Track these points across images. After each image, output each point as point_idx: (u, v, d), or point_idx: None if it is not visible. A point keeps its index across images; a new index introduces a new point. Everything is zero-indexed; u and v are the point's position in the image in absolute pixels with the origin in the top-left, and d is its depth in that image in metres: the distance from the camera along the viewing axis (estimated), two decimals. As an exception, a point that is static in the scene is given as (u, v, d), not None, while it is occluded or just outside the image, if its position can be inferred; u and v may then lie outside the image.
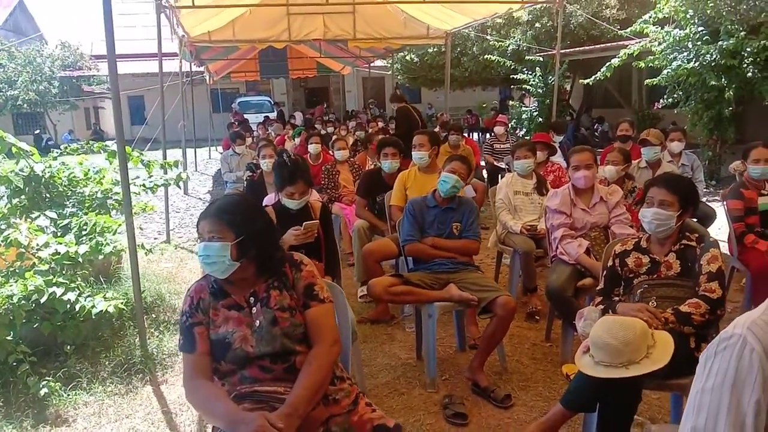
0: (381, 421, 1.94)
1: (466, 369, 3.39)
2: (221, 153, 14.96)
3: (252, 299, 2.02)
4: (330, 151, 7.04)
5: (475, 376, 3.27)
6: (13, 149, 4.25)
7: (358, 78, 27.29)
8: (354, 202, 5.59)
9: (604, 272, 2.82)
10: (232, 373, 1.97)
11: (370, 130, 10.23)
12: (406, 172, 4.80)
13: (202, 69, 16.91)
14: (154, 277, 5.24)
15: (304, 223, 3.26)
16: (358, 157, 7.44)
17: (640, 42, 9.65)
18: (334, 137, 7.86)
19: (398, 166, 5.04)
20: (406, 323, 4.29)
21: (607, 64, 10.07)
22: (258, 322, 1.98)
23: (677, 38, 8.65)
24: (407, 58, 18.52)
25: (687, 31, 8.53)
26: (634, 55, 9.39)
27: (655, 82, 9.15)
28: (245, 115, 19.45)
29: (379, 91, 26.77)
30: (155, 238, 7.34)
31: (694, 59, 8.50)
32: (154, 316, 4.40)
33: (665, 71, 8.88)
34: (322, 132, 10.97)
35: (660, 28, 8.92)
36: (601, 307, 2.64)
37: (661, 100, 9.68)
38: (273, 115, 20.61)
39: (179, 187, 5.24)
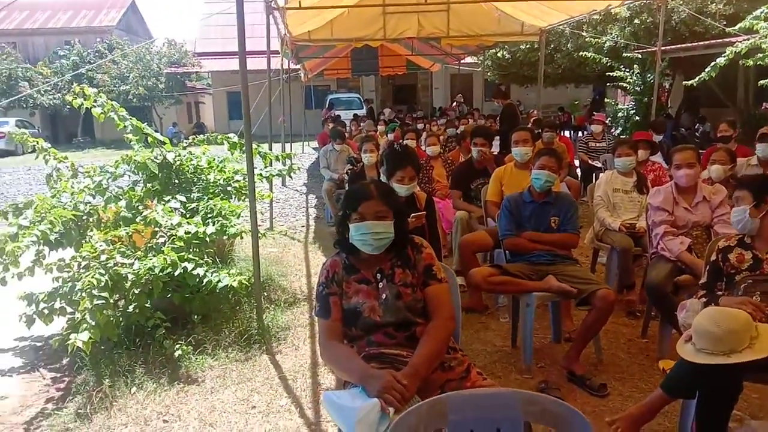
0: (491, 387, 2.14)
1: (561, 358, 3.52)
2: (315, 148, 15.59)
3: (379, 275, 2.28)
4: (422, 147, 7.27)
5: (570, 365, 3.40)
6: (149, 139, 4.76)
7: (447, 74, 27.36)
8: (446, 197, 5.79)
9: (707, 267, 2.88)
10: (360, 337, 2.25)
11: (462, 128, 10.36)
12: (502, 168, 4.94)
13: (298, 67, 17.59)
14: (263, 260, 5.65)
15: (412, 214, 3.51)
16: (450, 153, 7.63)
17: (749, 39, 9.20)
18: (425, 134, 8.08)
19: (485, 154, 5.27)
20: (500, 314, 4.44)
21: (713, 63, 9.66)
22: (384, 295, 2.24)
23: (791, 34, 8.22)
24: (498, 54, 18.44)
25: (802, 26, 8.10)
26: (742, 53, 8.98)
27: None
28: (336, 112, 20.07)
29: (466, 87, 26.69)
30: (259, 226, 7.83)
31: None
32: (265, 294, 4.80)
33: (779, 69, 8.44)
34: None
35: (772, 23, 8.50)
36: (704, 299, 2.71)
37: (771, 100, 9.20)
38: (361, 112, 21.10)
39: (290, 177, 5.62)
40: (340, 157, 8.09)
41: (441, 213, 5.94)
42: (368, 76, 26.52)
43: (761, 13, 8.54)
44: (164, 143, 4.82)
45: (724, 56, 9.17)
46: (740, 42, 9.24)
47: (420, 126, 12.94)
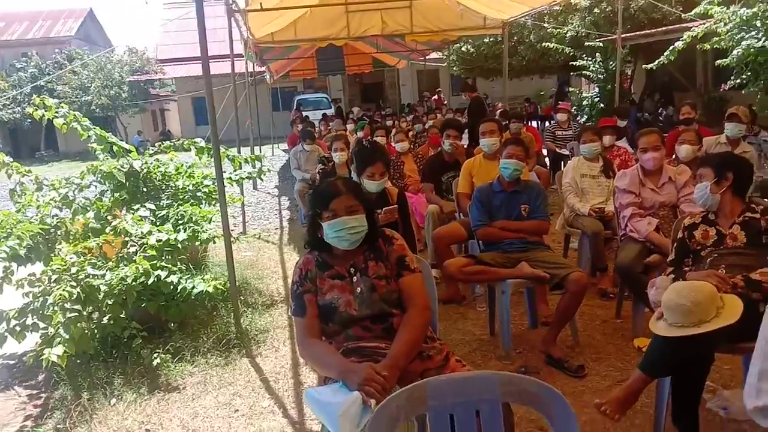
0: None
1: (539, 343, 3.58)
2: (285, 150, 15.50)
3: (352, 269, 2.29)
4: (392, 144, 7.30)
5: (548, 349, 3.46)
6: (115, 148, 4.70)
7: (413, 71, 27.45)
8: (419, 191, 5.83)
9: (674, 245, 2.96)
10: (338, 332, 2.26)
11: (429, 123, 10.41)
12: (471, 160, 4.99)
13: (263, 69, 17.46)
14: (237, 264, 5.61)
15: (384, 208, 3.52)
16: (420, 148, 7.67)
17: (704, 23, 9.44)
18: (394, 130, 8.11)
19: (457, 147, 5.33)
20: (478, 303, 4.49)
21: (671, 47, 9.88)
22: (359, 288, 2.25)
23: (744, 17, 8.43)
24: (463, 48, 18.56)
25: (755, 9, 8.31)
26: (699, 37, 9.20)
27: (726, 63, 8.93)
28: (304, 112, 20.00)
29: (433, 83, 26.83)
30: (232, 230, 7.77)
31: (763, 38, 8.27)
32: (242, 298, 4.77)
33: (735, 51, 8.66)
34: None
35: (726, 8, 8.71)
36: (672, 276, 2.78)
37: (728, 82, 9.45)
38: (330, 112, 21.06)
39: (260, 179, 5.58)
40: (311, 157, 8.07)
41: (414, 207, 5.96)
42: (335, 75, 26.42)
43: (714, -3, 8.75)
44: (130, 152, 4.76)
45: (682, 41, 9.39)
46: (696, 27, 9.47)
47: (389, 123, 12.99)
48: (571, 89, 15.86)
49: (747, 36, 8.50)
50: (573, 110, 14.06)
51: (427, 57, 19.79)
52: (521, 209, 3.84)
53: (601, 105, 13.46)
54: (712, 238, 2.82)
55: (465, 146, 6.21)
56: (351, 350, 2.20)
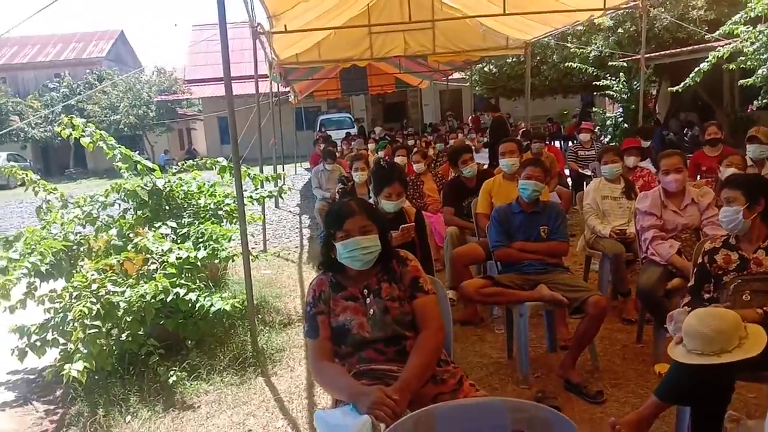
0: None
1: (557, 367, 3.51)
2: (307, 169, 15.64)
3: (366, 291, 2.28)
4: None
5: (567, 373, 3.39)
6: (139, 166, 4.78)
7: (435, 91, 27.57)
8: (438, 211, 5.81)
9: (695, 270, 2.89)
10: (350, 355, 2.25)
11: (451, 142, 10.43)
12: (491, 180, 4.96)
13: (287, 89, 17.69)
14: (257, 282, 5.65)
15: (401, 226, 3.52)
16: (441, 167, 7.67)
17: (730, 43, 9.33)
18: (414, 150, 8.13)
19: (476, 170, 5.27)
20: (496, 325, 4.43)
21: (696, 69, 9.77)
22: (372, 310, 2.23)
23: (771, 37, 8.33)
24: (486, 69, 18.61)
25: (782, 29, 8.21)
26: (725, 57, 9.09)
27: (749, 83, 8.81)
28: (327, 131, 20.18)
29: (456, 103, 26.95)
30: (253, 248, 7.84)
31: (789, 57, 8.15)
32: (260, 316, 4.78)
33: (760, 71, 8.53)
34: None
35: (752, 27, 8.61)
36: (688, 308, 2.71)
37: (756, 102, 9.29)
38: (353, 131, 21.22)
39: (282, 198, 5.63)
40: (332, 176, 8.12)
41: (433, 227, 5.95)
42: (358, 95, 26.70)
43: (740, 17, 8.65)
44: (154, 170, 4.84)
45: (707, 61, 9.28)
46: (722, 46, 9.36)
47: (411, 142, 13.03)
48: (594, 109, 15.75)
49: (773, 56, 8.39)
50: (596, 130, 13.97)
51: (449, 77, 19.89)
52: (540, 230, 3.80)
53: (625, 125, 13.35)
54: (735, 263, 2.74)
55: (485, 166, 6.19)
56: (363, 372, 2.18)
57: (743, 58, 8.83)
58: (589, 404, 3.20)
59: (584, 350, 3.49)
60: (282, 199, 7.07)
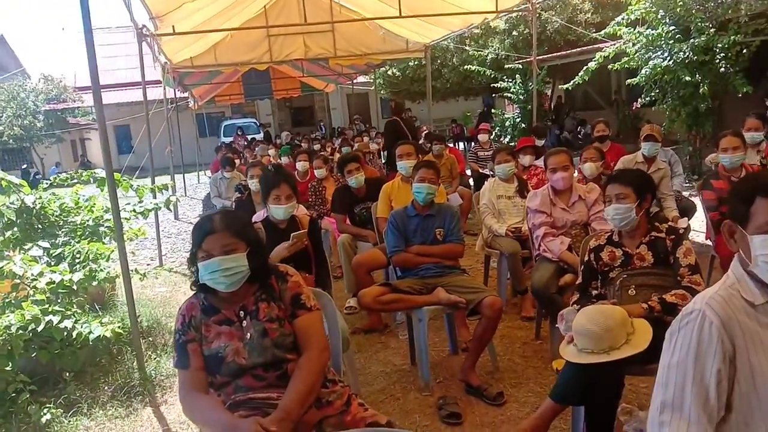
0: (373, 418, 2.02)
1: (459, 371, 3.47)
2: (210, 177, 15.06)
3: (242, 313, 2.09)
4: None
5: (467, 377, 3.35)
6: (3, 183, 4.32)
7: (343, 95, 27.48)
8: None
9: (581, 267, 2.93)
10: (226, 384, 2.05)
11: (356, 145, 10.34)
12: (389, 184, 4.90)
13: (186, 95, 17.01)
14: (149, 302, 5.30)
15: (292, 234, 3.35)
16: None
17: (614, 44, 9.83)
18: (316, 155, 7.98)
19: (363, 179, 5.19)
20: (399, 331, 4.36)
21: (584, 68, 10.24)
22: (249, 334, 2.05)
23: (650, 38, 8.83)
24: (389, 72, 18.72)
25: (659, 30, 8.72)
26: (610, 57, 9.57)
27: (635, 82, 9.31)
28: (230, 139, 19.58)
29: (363, 106, 26.96)
30: (148, 264, 7.39)
31: (668, 58, 8.68)
32: (151, 339, 4.46)
33: (643, 70, 9.04)
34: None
35: (633, 29, 9.11)
36: (578, 306, 2.73)
37: (639, 99, 9.85)
38: (259, 137, 20.72)
39: (170, 210, 5.31)
40: (231, 184, 7.81)
41: (336, 233, 5.82)
42: (262, 100, 26.12)
43: (622, 19, 9.12)
44: (22, 186, 4.40)
45: (594, 61, 9.74)
46: (608, 47, 9.85)
47: (317, 147, 12.84)
48: (495, 110, 16.23)
49: (653, 56, 8.90)
50: (496, 131, 14.39)
51: (354, 81, 19.87)
52: (436, 233, 3.75)
53: (523, 125, 13.81)
54: (620, 258, 2.79)
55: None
56: (239, 403, 2.00)
57: (627, 59, 9.32)
58: (490, 407, 3.18)
59: (484, 351, 3.47)
60: (170, 210, 6.67)
